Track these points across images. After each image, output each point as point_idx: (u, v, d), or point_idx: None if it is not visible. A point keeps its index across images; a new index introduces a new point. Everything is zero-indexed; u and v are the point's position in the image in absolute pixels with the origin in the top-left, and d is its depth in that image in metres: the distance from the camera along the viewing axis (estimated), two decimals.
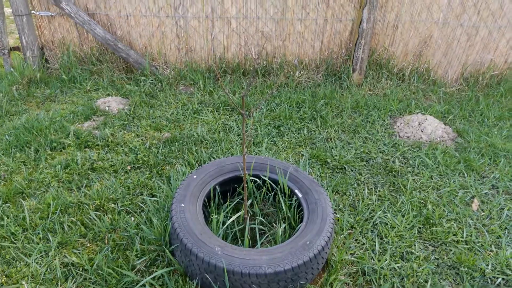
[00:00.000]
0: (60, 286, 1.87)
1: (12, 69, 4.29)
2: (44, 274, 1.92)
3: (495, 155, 3.19)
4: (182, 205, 2.01)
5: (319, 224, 1.98)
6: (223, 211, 2.15)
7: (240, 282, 1.73)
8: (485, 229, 2.46)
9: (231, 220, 2.06)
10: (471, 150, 3.24)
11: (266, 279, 1.72)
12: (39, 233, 2.15)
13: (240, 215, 2.13)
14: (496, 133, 3.52)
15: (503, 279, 2.12)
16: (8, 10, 6.98)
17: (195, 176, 2.22)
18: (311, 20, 4.20)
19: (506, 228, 2.47)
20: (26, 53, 4.39)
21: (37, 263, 1.98)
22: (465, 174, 2.94)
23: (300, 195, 2.20)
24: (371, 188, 2.72)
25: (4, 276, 1.91)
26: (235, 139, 3.17)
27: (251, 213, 2.28)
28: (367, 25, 3.98)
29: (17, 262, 1.98)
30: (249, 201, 2.28)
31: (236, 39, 4.29)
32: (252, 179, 2.31)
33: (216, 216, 2.07)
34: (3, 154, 2.83)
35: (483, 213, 2.59)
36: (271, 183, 2.32)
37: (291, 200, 2.24)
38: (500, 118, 3.79)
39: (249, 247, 2.05)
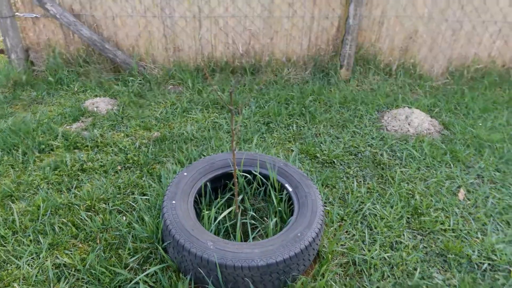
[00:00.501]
0: (53, 287, 1.87)
1: None
2: (36, 275, 1.92)
3: (480, 146, 3.26)
4: (173, 202, 2.02)
5: (309, 217, 2.01)
6: (215, 207, 2.17)
7: (233, 276, 1.75)
8: (471, 217, 2.52)
9: (222, 215, 2.08)
10: (457, 141, 3.31)
11: (258, 271, 1.74)
12: (29, 235, 2.15)
13: (232, 210, 2.15)
14: (480, 124, 3.59)
15: (489, 264, 2.18)
16: None
17: (185, 174, 2.23)
18: (298, 18, 4.23)
19: (491, 215, 2.54)
20: (11, 55, 4.34)
21: (28, 265, 1.97)
22: (451, 165, 3.01)
23: (290, 189, 2.23)
24: (360, 181, 2.77)
25: None
26: (225, 136, 3.19)
27: (243, 208, 2.31)
28: (354, 22, 4.03)
29: (8, 265, 1.97)
30: (240, 197, 2.30)
31: (224, 38, 4.30)
32: (242, 175, 2.33)
33: (208, 212, 2.09)
34: None
35: (469, 202, 2.65)
36: (262, 178, 2.34)
37: (282, 194, 2.27)
38: (484, 110, 3.87)
39: (241, 241, 2.07)
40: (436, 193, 2.70)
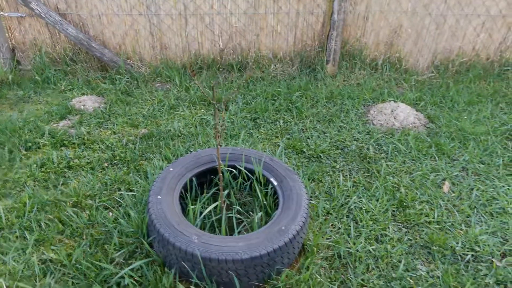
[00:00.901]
0: (39, 282, 1.87)
1: None
2: (22, 271, 1.92)
3: (464, 139, 3.31)
4: (159, 197, 2.03)
5: (294, 210, 2.03)
6: (200, 202, 2.18)
7: (217, 269, 1.77)
8: (455, 209, 2.56)
9: (208, 210, 2.09)
10: (442, 134, 3.36)
11: (242, 264, 1.76)
12: (15, 232, 2.14)
13: (217, 205, 2.16)
14: (465, 117, 3.64)
15: (472, 255, 2.22)
16: None
17: (171, 169, 2.24)
18: (283, 14, 4.25)
19: (475, 207, 2.58)
20: None
21: (14, 261, 1.97)
22: (436, 158, 3.05)
23: (275, 183, 2.25)
24: (346, 175, 2.80)
25: None
26: (212, 132, 3.20)
27: (228, 203, 2.32)
28: (338, 17, 4.06)
29: None
30: (226, 191, 2.31)
31: (210, 35, 4.31)
32: (228, 170, 2.35)
33: (193, 207, 2.10)
34: None
35: (453, 194, 2.69)
36: (247, 173, 2.36)
37: (267, 189, 2.29)
38: (469, 103, 3.92)
39: (227, 235, 2.08)
40: (421, 186, 2.74)
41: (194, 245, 1.77)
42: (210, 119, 3.42)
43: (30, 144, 2.92)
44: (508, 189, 2.74)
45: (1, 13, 4.18)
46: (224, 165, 2.33)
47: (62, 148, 2.93)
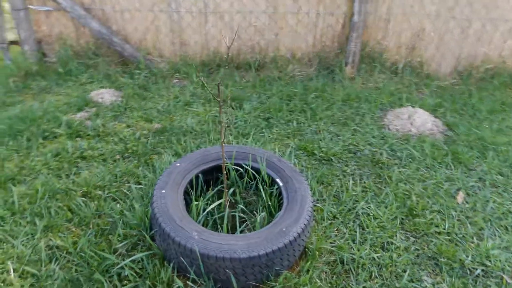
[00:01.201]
0: (44, 267, 1.93)
1: (9, 62, 4.36)
2: (30, 255, 1.98)
3: (484, 148, 3.19)
4: (163, 191, 2.05)
5: (297, 212, 2.01)
6: (205, 199, 2.19)
7: (215, 266, 1.77)
8: (468, 221, 2.47)
9: (211, 207, 2.10)
10: (460, 143, 3.25)
11: (240, 263, 1.76)
12: (26, 217, 2.21)
13: (221, 202, 2.16)
14: (486, 126, 3.52)
15: (482, 270, 2.14)
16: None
17: (178, 164, 2.26)
18: (303, 14, 4.21)
19: (489, 220, 2.48)
20: (24, 47, 4.45)
21: (23, 245, 2.04)
22: (452, 167, 2.95)
23: (281, 184, 2.23)
24: (356, 180, 2.75)
25: None
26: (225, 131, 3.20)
27: (233, 201, 2.32)
28: (359, 18, 3.99)
29: (4, 244, 2.04)
30: (232, 190, 2.31)
31: (229, 33, 4.32)
32: (234, 168, 2.35)
33: (197, 203, 2.11)
34: None
35: (467, 205, 2.60)
36: (254, 172, 2.35)
37: (273, 189, 2.27)
38: (492, 112, 3.78)
39: (229, 234, 2.09)
40: (433, 194, 2.66)
41: (193, 241, 1.78)
42: (223, 116, 3.43)
43: (47, 133, 3.01)
44: None
45: (30, 6, 4.33)
46: (230, 163, 2.33)
47: (77, 138, 3.01)
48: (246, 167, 2.34)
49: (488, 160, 3.05)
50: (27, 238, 2.09)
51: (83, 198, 2.38)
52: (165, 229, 1.84)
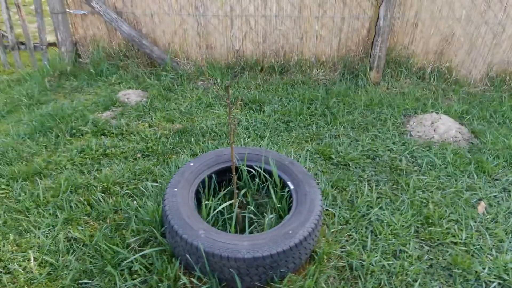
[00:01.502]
0: (62, 257, 2.04)
1: (46, 63, 4.63)
2: (49, 246, 2.10)
3: (510, 157, 3.05)
4: (175, 189, 2.12)
5: (305, 215, 2.02)
6: (216, 199, 2.24)
7: (220, 265, 1.81)
8: (488, 232, 2.38)
9: (221, 207, 2.15)
10: (486, 151, 3.12)
11: (244, 263, 1.79)
12: (49, 209, 2.35)
13: (232, 203, 2.20)
14: None
15: (499, 283, 2.05)
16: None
17: (192, 164, 2.32)
18: (328, 18, 4.19)
19: (511, 232, 2.38)
20: (61, 48, 4.71)
21: (44, 235, 2.16)
22: (475, 176, 2.85)
23: (291, 187, 2.24)
24: (373, 185, 2.71)
25: (15, 245, 2.12)
26: (243, 132, 3.25)
27: (245, 202, 2.35)
28: (384, 23, 3.92)
29: (28, 234, 2.18)
30: (244, 190, 2.35)
31: (254, 37, 4.37)
32: (247, 170, 2.38)
33: (207, 202, 2.16)
34: (28, 138, 3.08)
35: (488, 216, 2.50)
36: (265, 175, 2.38)
37: (284, 192, 2.29)
38: None
39: (237, 234, 2.12)
40: (452, 204, 2.58)
41: (199, 239, 1.82)
42: (243, 119, 3.48)
43: (74, 131, 3.17)
44: None
45: (68, 10, 4.57)
46: (243, 165, 2.37)
47: (102, 136, 3.15)
48: (258, 169, 2.36)
49: None
50: (49, 229, 2.21)
51: (102, 194, 2.49)
52: (174, 226, 1.90)
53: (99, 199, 2.43)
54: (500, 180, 2.82)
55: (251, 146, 3.01)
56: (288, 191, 2.26)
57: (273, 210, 2.26)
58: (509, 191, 2.73)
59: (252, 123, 3.40)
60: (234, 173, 2.11)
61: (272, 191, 2.27)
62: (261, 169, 2.39)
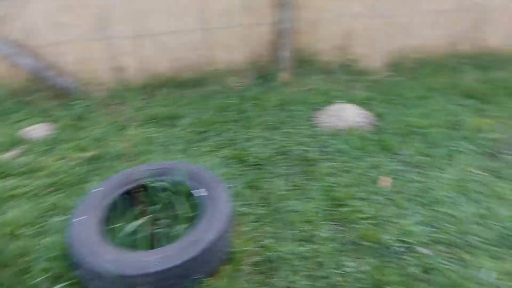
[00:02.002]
0: None
1: None
2: None
3: (409, 133, 3.34)
4: (81, 218, 2.07)
5: (215, 219, 2.06)
6: (124, 220, 2.21)
7: (132, 285, 1.79)
8: (392, 203, 2.58)
9: (129, 227, 2.13)
10: (388, 131, 3.39)
11: (155, 277, 1.79)
12: None
13: (140, 221, 2.19)
14: (414, 112, 3.68)
15: (403, 247, 2.24)
16: None
17: (97, 189, 2.28)
18: (235, 27, 4.33)
19: (411, 199, 2.61)
20: None
21: None
22: (379, 154, 3.08)
23: (202, 194, 2.28)
24: (286, 179, 2.82)
25: None
26: (157, 149, 3.24)
27: (154, 218, 2.34)
28: (287, 25, 4.14)
29: None
30: (155, 206, 2.34)
31: (166, 54, 4.39)
32: (154, 185, 2.38)
33: (115, 225, 2.13)
34: None
35: (392, 189, 2.71)
36: (176, 185, 2.39)
37: (195, 200, 2.31)
38: (420, 98, 3.97)
39: (148, 250, 2.10)
40: (359, 183, 2.77)
41: (107, 263, 1.79)
42: (159, 135, 3.46)
43: None
44: (442, 177, 2.77)
45: None
46: (151, 182, 2.37)
47: (7, 177, 2.98)
48: (166, 182, 2.38)
49: (414, 143, 3.20)
50: None
51: (8, 238, 2.35)
52: (80, 255, 1.86)
53: (4, 244, 2.29)
54: (401, 155, 3.07)
55: (167, 161, 3.00)
56: (199, 199, 2.30)
57: (186, 220, 2.28)
58: (409, 163, 2.98)
59: (167, 138, 3.40)
60: (143, 191, 2.11)
61: (183, 201, 2.29)
62: (172, 181, 2.40)
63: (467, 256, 2.17)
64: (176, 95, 4.27)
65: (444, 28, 4.60)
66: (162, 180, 2.40)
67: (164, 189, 2.41)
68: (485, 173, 2.89)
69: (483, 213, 2.49)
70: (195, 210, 2.28)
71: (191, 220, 2.27)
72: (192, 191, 2.33)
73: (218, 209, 2.13)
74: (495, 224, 2.39)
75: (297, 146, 3.22)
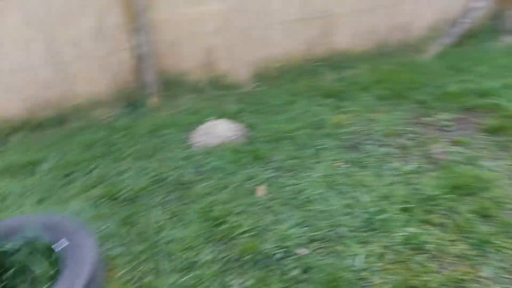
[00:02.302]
0: None
1: None
2: None
3: (279, 139, 3.50)
4: None
5: (79, 270, 1.87)
6: None
7: None
8: (269, 211, 2.65)
9: None
10: (260, 140, 3.50)
11: None
12: None
13: None
14: (281, 118, 3.89)
15: (282, 252, 2.28)
16: None
17: None
18: (92, 57, 4.09)
19: (285, 203, 2.70)
20: None
21: None
22: (253, 165, 3.15)
23: (62, 246, 2.05)
24: (163, 208, 2.71)
25: None
26: (11, 204, 2.84)
27: (12, 285, 2.03)
28: (146, 49, 4.06)
29: None
30: (7, 273, 2.03)
31: (14, 94, 3.92)
32: (3, 249, 2.07)
33: None
34: None
35: (268, 196, 2.79)
36: (30, 243, 2.11)
37: (55, 255, 2.07)
38: (285, 104, 4.21)
39: None
40: (236, 197, 2.78)
41: None
42: (11, 189, 3.04)
43: None
44: (312, 176, 2.95)
45: None
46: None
47: None
48: (17, 242, 2.08)
49: (283, 148, 3.36)
50: None
51: None
52: None
53: None
54: (273, 161, 3.20)
55: (19, 216, 2.64)
56: (60, 253, 2.06)
57: (47, 279, 2.02)
58: (280, 168, 3.11)
59: (23, 189, 3.01)
60: None
61: (41, 259, 2.03)
62: (26, 239, 2.11)
63: (340, 247, 2.27)
64: (34, 138, 3.84)
65: (298, 36, 4.99)
66: (11, 241, 2.10)
67: (17, 250, 2.11)
68: (348, 165, 3.14)
69: (349, 203, 2.64)
70: (56, 266, 2.04)
71: (53, 278, 2.03)
72: (52, 246, 2.08)
73: (81, 259, 1.93)
74: (361, 211, 2.54)
75: (173, 171, 3.13)
